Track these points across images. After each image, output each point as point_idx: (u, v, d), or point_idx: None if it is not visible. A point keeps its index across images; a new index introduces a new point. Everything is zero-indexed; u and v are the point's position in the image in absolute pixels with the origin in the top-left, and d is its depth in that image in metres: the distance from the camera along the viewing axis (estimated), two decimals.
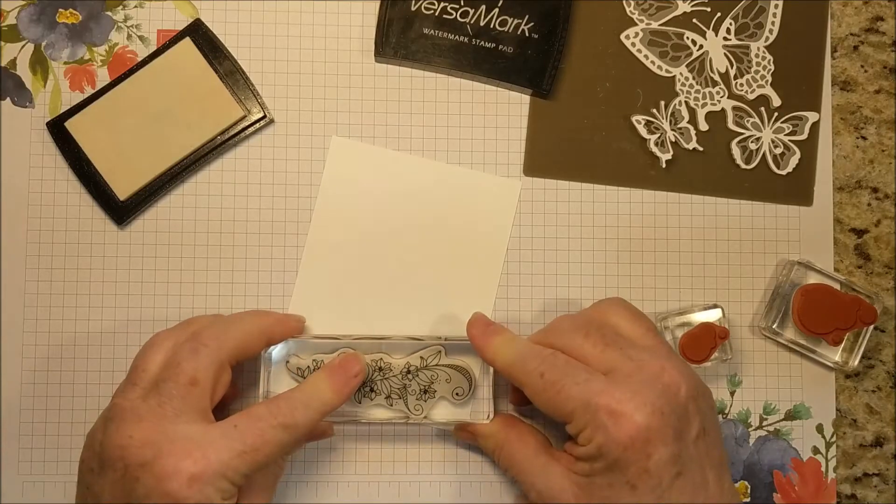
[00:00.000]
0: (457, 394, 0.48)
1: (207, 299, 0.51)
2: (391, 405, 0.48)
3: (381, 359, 0.48)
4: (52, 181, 0.51)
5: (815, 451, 0.52)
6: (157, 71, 0.51)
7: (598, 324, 0.44)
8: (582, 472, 0.41)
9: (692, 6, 0.53)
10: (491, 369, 0.47)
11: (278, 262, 0.51)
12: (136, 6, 0.52)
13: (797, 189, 0.53)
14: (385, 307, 0.51)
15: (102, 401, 0.49)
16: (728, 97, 0.53)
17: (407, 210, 0.51)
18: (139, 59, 0.51)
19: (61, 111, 0.51)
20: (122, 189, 0.50)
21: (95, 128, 0.50)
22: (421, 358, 0.48)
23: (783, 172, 0.53)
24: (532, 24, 0.52)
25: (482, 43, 0.51)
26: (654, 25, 0.53)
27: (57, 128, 0.50)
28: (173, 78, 0.50)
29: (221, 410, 0.45)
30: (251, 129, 0.51)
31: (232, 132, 0.51)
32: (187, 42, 0.51)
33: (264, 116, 0.51)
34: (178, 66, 0.51)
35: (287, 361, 0.48)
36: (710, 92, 0.53)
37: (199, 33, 0.51)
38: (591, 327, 0.43)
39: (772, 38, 0.53)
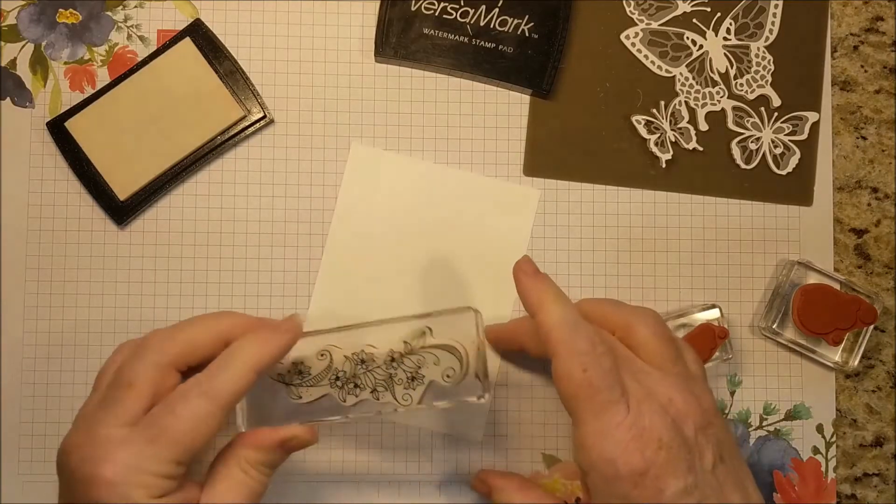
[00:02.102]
0: (447, 375, 0.44)
1: (207, 299, 0.51)
2: (378, 398, 0.44)
3: (363, 350, 0.44)
4: (52, 181, 0.51)
5: (815, 451, 0.52)
6: (157, 71, 0.51)
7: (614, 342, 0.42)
8: None
9: (692, 6, 0.53)
10: (486, 347, 0.44)
11: (278, 261, 0.51)
12: (136, 6, 0.52)
13: (797, 189, 0.53)
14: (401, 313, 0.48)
15: None
16: (728, 97, 0.53)
17: (425, 218, 0.51)
18: (139, 59, 0.51)
19: (61, 111, 0.51)
20: (122, 189, 0.50)
21: (95, 128, 0.50)
22: (405, 343, 0.44)
23: (783, 172, 0.53)
24: (532, 24, 0.51)
25: (482, 43, 0.51)
26: (654, 25, 0.53)
27: (57, 128, 0.50)
28: (173, 78, 0.50)
29: None
30: (251, 129, 0.51)
31: (232, 132, 0.51)
32: (187, 42, 0.51)
33: (264, 116, 0.51)
34: (178, 66, 0.51)
35: None
36: (710, 92, 0.53)
37: (199, 33, 0.51)
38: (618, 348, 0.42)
39: (772, 38, 0.53)
